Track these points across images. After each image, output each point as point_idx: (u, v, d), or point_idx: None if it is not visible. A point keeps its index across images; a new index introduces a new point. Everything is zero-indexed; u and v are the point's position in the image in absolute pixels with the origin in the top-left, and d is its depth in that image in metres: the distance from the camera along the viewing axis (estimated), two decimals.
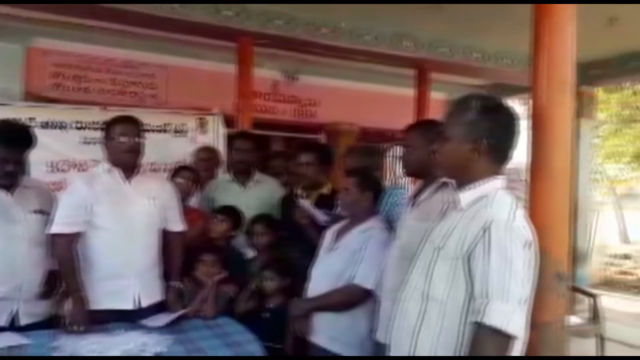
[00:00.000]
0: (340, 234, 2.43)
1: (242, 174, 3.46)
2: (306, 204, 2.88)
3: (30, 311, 2.44)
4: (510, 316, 1.33)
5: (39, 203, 2.52)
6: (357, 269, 2.27)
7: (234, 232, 3.10)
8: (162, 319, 2.45)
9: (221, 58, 5.23)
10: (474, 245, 1.39)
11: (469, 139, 1.51)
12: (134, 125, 2.57)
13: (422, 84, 5.74)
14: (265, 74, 6.00)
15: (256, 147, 3.54)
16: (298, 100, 6.73)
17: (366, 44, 4.94)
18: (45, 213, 2.51)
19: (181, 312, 2.53)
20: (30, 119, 3.72)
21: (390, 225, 2.43)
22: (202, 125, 4.37)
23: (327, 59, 5.71)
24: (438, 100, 6.04)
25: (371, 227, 2.35)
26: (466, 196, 1.52)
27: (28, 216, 2.46)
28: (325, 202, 2.93)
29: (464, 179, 1.54)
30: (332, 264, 2.36)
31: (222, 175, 3.77)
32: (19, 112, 3.72)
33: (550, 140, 1.94)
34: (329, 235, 2.50)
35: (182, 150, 4.14)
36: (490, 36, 5.07)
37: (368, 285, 2.23)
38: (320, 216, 2.79)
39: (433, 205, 1.93)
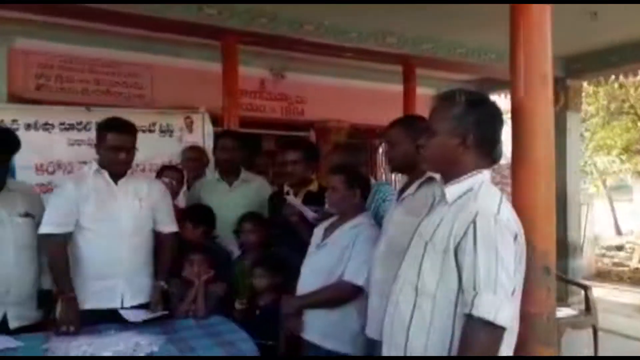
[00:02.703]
0: (329, 231, 2.44)
1: (228, 173, 3.45)
2: (295, 201, 2.89)
3: (20, 314, 2.43)
4: (499, 307, 1.35)
5: (25, 206, 2.50)
6: (347, 266, 2.28)
7: (205, 231, 3.04)
8: (140, 315, 2.44)
9: (207, 56, 5.21)
10: (462, 238, 1.41)
11: (455, 133, 1.53)
12: (128, 135, 2.55)
13: (408, 80, 5.76)
14: (252, 72, 5.96)
15: (242, 145, 3.53)
16: (286, 97, 6.70)
17: (351, 41, 4.94)
18: (32, 216, 2.50)
19: (160, 313, 2.51)
20: (14, 120, 3.69)
21: (379, 221, 2.44)
22: (189, 125, 4.36)
23: (313, 56, 5.71)
24: (426, 96, 6.05)
25: (360, 223, 2.37)
26: (452, 190, 1.53)
27: (15, 219, 2.45)
28: (314, 199, 2.93)
29: (451, 173, 1.56)
30: (322, 260, 2.36)
31: (210, 175, 3.76)
32: (3, 114, 3.69)
33: (531, 133, 1.96)
34: (318, 232, 2.51)
35: (169, 150, 4.13)
36: (473, 32, 5.09)
37: (358, 281, 2.24)
38: (309, 213, 2.80)
39: (419, 200, 1.95)
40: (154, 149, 4.03)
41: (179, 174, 3.52)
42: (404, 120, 2.24)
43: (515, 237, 1.43)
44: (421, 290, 1.49)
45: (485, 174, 1.54)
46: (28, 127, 3.75)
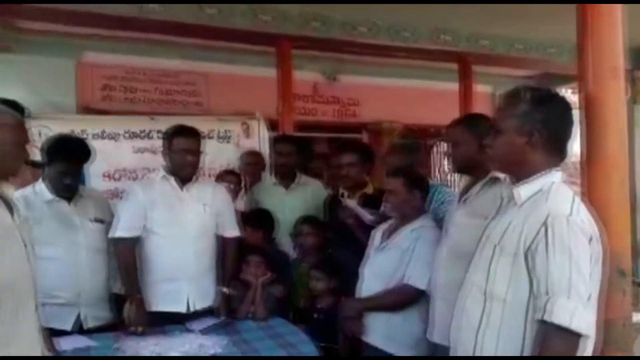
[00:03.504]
0: (388, 234, 2.42)
1: (285, 176, 3.50)
2: (352, 203, 2.88)
3: (94, 315, 2.55)
4: (575, 313, 1.29)
5: (97, 212, 2.63)
6: (409, 269, 2.26)
7: (265, 234, 3.08)
8: (205, 323, 2.51)
9: (261, 62, 5.31)
10: (534, 241, 1.35)
11: (523, 131, 1.47)
12: (193, 139, 2.63)
13: (465, 77, 5.64)
14: (305, 76, 6.01)
15: (298, 149, 3.57)
16: (339, 100, 6.71)
17: (405, 40, 4.90)
18: (103, 221, 2.63)
19: (223, 318, 2.57)
20: (83, 131, 3.90)
21: (438, 223, 2.40)
22: (246, 130, 4.45)
23: (366, 57, 5.69)
24: (484, 94, 5.89)
25: (421, 226, 2.34)
26: (523, 191, 1.48)
27: (87, 225, 2.58)
28: (370, 202, 2.92)
29: (520, 173, 1.50)
30: (383, 263, 2.35)
31: (267, 179, 3.82)
32: (73, 125, 3.90)
33: (602, 128, 1.86)
34: (377, 234, 2.49)
35: (227, 155, 4.23)
36: (532, 25, 4.92)
37: (421, 285, 2.21)
38: (367, 216, 2.78)
39: (483, 201, 1.90)
40: (213, 154, 4.10)
41: (238, 178, 3.61)
42: (466, 120, 2.19)
43: (590, 239, 1.37)
44: (491, 294, 1.44)
45: (557, 174, 1.48)
46: (96, 136, 3.95)
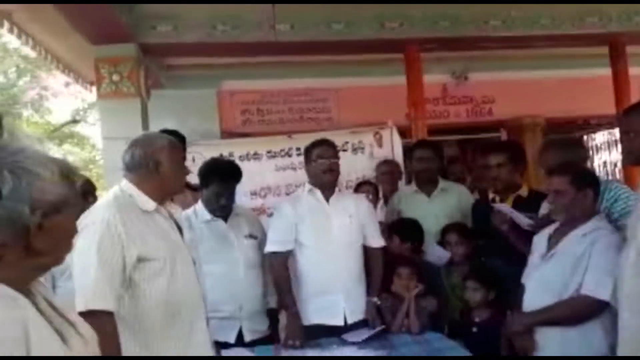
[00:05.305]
0: (555, 239, 2.17)
1: (426, 183, 3.36)
2: (506, 208, 2.67)
3: (252, 328, 2.66)
4: None
5: (249, 228, 2.76)
6: (585, 278, 2.00)
7: (413, 245, 2.97)
8: (362, 334, 2.47)
9: (388, 71, 5.27)
10: None
11: None
12: (329, 147, 2.70)
13: (617, 61, 5.03)
14: (432, 78, 5.84)
15: (437, 154, 3.43)
16: (471, 99, 6.43)
17: (543, 28, 4.52)
18: (255, 237, 2.75)
19: (379, 328, 2.52)
20: (231, 153, 4.19)
21: (613, 224, 2.12)
22: (378, 140, 4.44)
23: (497, 51, 5.37)
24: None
25: (595, 228, 2.06)
26: None
27: (242, 241, 2.71)
28: (524, 205, 2.68)
29: None
30: (551, 273, 2.11)
31: (406, 187, 3.73)
32: (221, 149, 4.23)
33: None
34: (541, 241, 2.25)
35: (361, 166, 4.25)
36: None
37: (601, 295, 1.94)
38: (525, 220, 2.55)
39: None
40: (348, 166, 4.15)
41: (375, 188, 3.59)
42: None
43: None
44: None
45: None
46: (242, 158, 4.24)
